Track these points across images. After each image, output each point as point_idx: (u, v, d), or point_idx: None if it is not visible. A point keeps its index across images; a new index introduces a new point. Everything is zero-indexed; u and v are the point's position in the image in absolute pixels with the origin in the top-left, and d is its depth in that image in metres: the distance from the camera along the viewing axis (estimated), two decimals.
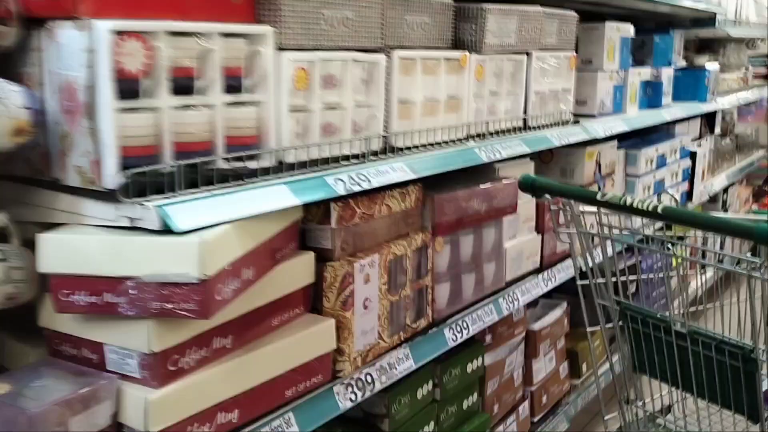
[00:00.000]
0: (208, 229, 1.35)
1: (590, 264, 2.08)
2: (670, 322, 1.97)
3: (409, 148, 2.00)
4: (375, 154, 1.91)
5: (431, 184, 2.18)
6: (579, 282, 2.16)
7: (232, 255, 1.40)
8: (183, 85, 1.44)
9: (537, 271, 2.71)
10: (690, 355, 1.96)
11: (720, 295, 2.31)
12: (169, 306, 1.31)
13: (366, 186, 1.73)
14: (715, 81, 4.32)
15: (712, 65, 4.27)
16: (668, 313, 1.99)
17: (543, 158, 2.94)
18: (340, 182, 1.67)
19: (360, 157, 1.84)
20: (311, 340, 1.71)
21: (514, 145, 2.35)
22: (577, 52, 3.11)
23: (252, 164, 1.55)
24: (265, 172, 1.59)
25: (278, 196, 1.53)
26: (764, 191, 5.48)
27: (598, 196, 1.88)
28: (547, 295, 2.86)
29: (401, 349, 2.01)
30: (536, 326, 2.79)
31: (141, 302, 1.31)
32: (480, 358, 2.42)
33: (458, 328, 2.24)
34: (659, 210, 1.75)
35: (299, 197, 1.56)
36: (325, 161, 1.74)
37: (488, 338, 2.51)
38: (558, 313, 2.92)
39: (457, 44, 2.23)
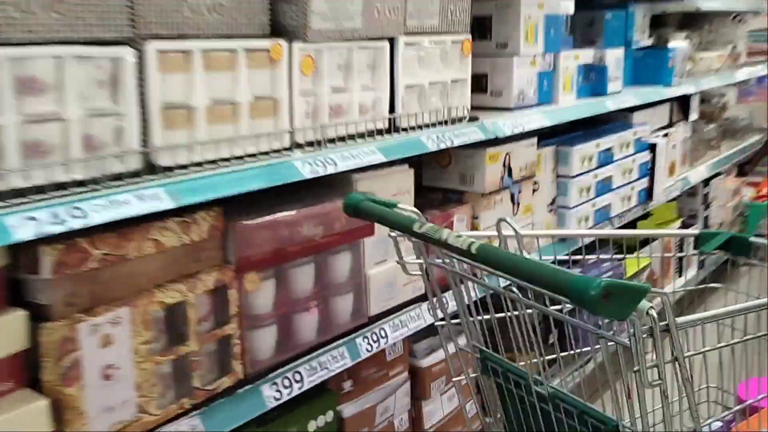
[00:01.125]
0: None
1: (443, 302, 1.69)
2: (529, 381, 1.54)
3: (184, 167, 1.56)
4: (134, 175, 1.48)
5: (249, 207, 1.76)
6: (436, 323, 1.77)
7: None
8: None
9: (424, 298, 2.28)
10: (554, 422, 1.53)
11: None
12: None
13: (80, 224, 1.31)
14: (684, 61, 3.80)
15: (678, 43, 3.74)
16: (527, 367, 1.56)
17: (439, 162, 2.49)
18: (30, 221, 1.25)
19: (96, 182, 1.42)
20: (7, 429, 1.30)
21: (363, 154, 1.90)
22: (490, 34, 2.67)
23: None
24: None
25: None
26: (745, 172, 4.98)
27: (415, 227, 1.45)
28: None
29: (187, 419, 1.60)
30: (426, 362, 2.35)
31: None
32: (330, 412, 1.99)
33: (286, 382, 1.81)
34: (473, 249, 1.31)
35: None
36: (33, 190, 1.32)
37: (347, 385, 2.08)
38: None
39: (280, 32, 1.78)
